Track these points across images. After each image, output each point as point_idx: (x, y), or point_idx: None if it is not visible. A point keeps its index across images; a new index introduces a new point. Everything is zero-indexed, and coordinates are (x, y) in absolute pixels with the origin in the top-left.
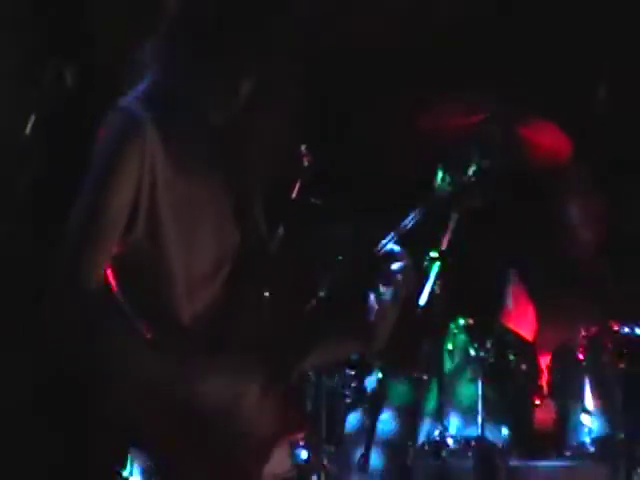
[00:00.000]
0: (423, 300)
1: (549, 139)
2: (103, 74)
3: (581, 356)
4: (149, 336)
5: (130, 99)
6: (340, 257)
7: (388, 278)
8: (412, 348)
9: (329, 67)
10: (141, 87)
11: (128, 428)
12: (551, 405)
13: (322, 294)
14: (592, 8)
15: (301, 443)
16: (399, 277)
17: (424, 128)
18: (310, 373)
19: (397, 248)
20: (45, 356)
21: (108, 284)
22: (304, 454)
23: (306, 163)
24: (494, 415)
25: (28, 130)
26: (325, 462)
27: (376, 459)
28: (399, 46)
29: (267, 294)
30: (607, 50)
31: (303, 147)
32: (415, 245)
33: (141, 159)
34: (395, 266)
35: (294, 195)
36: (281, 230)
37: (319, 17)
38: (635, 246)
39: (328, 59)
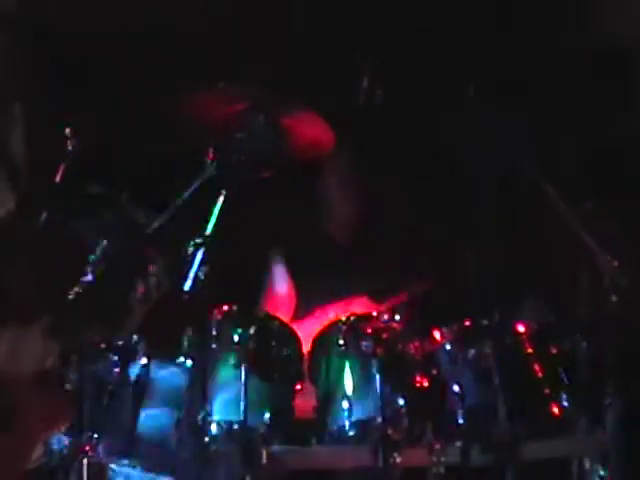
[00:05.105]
0: (187, 286)
1: (312, 129)
2: None
3: (341, 341)
4: None
5: None
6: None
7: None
8: (176, 333)
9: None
10: None
11: None
12: (312, 390)
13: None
14: None
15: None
16: (152, 279)
17: (187, 117)
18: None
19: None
20: None
21: None
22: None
23: (70, 147)
24: (256, 400)
25: None
26: (87, 449)
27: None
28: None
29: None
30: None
31: (68, 131)
32: (179, 230)
33: None
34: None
35: (58, 179)
36: (44, 214)
37: None
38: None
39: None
